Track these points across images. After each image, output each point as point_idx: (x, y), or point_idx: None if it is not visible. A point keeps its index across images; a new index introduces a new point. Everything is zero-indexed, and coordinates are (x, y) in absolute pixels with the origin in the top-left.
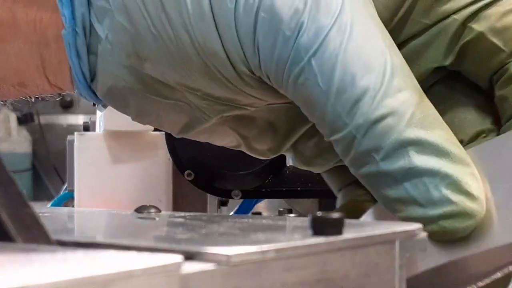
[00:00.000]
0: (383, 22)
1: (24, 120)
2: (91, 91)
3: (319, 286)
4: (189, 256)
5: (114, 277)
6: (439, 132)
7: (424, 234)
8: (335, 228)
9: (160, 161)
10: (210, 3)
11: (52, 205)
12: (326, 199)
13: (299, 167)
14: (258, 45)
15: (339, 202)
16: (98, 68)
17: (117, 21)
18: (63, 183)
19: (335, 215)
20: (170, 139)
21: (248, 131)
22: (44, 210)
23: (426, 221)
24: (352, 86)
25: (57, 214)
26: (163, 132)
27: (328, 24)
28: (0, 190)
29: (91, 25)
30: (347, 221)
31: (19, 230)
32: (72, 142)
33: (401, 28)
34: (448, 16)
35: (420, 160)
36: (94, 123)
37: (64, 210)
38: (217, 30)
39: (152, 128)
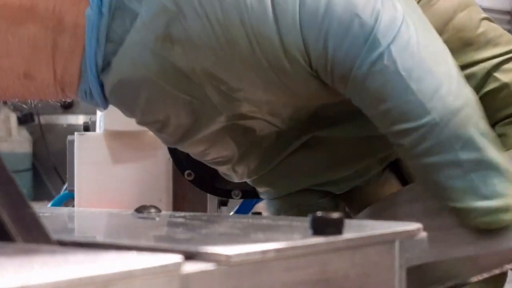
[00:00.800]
0: None
1: (24, 120)
2: (99, 83)
3: (319, 286)
4: (189, 256)
5: (114, 277)
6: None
7: (423, 234)
8: (335, 228)
9: (160, 161)
10: None
11: (52, 205)
12: None
13: (253, 185)
14: (327, 31)
15: (273, 209)
16: (117, 55)
17: (157, 0)
18: (63, 183)
19: (335, 215)
20: None
21: (245, 143)
22: (44, 210)
23: (484, 212)
24: (430, 74)
25: (57, 214)
26: None
27: (399, 18)
28: (0, 190)
29: (115, 8)
30: (347, 221)
31: (19, 230)
32: (72, 142)
33: None
34: (476, 63)
35: (490, 153)
36: (94, 123)
37: (64, 210)
38: (275, 15)
39: None
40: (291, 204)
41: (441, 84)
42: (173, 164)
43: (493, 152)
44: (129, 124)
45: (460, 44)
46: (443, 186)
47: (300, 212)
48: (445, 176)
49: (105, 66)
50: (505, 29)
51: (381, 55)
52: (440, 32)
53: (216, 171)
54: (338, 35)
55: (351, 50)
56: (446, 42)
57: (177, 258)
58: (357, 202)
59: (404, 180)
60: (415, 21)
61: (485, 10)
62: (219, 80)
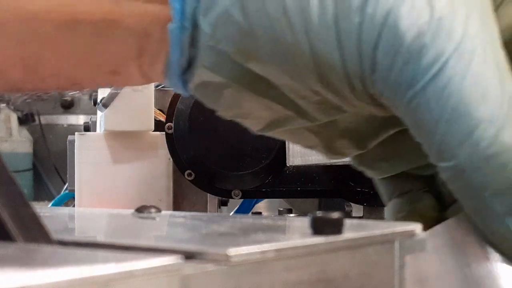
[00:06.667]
0: None
1: (25, 120)
2: (183, 82)
3: (319, 286)
4: (189, 256)
5: (114, 277)
6: None
7: (423, 234)
8: (335, 228)
9: (160, 161)
10: (336, 14)
11: (52, 205)
12: (326, 199)
13: (357, 168)
14: (376, 64)
15: (390, 212)
16: (197, 63)
17: (230, 16)
18: (64, 183)
19: (335, 215)
20: (170, 139)
21: (328, 133)
22: (44, 210)
23: None
24: (466, 116)
25: (58, 214)
26: (163, 132)
27: (449, 50)
28: (0, 190)
29: (198, 18)
30: (347, 221)
31: (19, 229)
32: (72, 142)
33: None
34: None
35: None
36: (94, 123)
37: (65, 210)
38: (338, 43)
39: (153, 128)
40: (401, 190)
41: (476, 127)
42: (173, 164)
43: None
44: (129, 124)
45: None
46: (484, 226)
47: (411, 198)
48: (483, 218)
49: (189, 67)
50: None
51: (416, 93)
52: None
53: (216, 171)
54: (383, 69)
55: (393, 85)
56: None
57: (177, 258)
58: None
59: None
60: (478, 49)
61: None
62: (297, 90)
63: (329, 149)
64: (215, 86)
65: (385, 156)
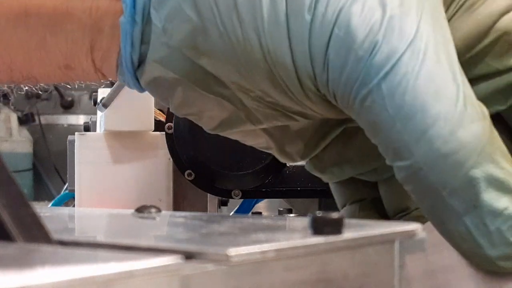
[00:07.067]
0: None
1: (25, 120)
2: (135, 78)
3: (319, 286)
4: (189, 256)
5: (114, 277)
6: (507, 167)
7: (423, 234)
8: (335, 228)
9: (160, 161)
10: (287, 12)
11: (52, 205)
12: (326, 199)
13: (311, 172)
14: (328, 63)
15: (337, 196)
16: (148, 57)
17: (182, 11)
18: (64, 183)
19: (335, 215)
20: (170, 139)
21: (281, 135)
22: (44, 210)
23: (484, 260)
24: (422, 113)
25: (58, 214)
26: (163, 132)
27: (402, 48)
28: (0, 190)
29: (149, 13)
30: (347, 221)
31: (19, 230)
32: (72, 142)
33: (471, 66)
34: None
35: (485, 198)
36: (94, 123)
37: (65, 210)
38: (289, 41)
39: (153, 128)
40: (355, 198)
41: (432, 124)
42: (173, 164)
43: (490, 197)
44: (129, 124)
45: (505, 47)
46: (441, 227)
47: (363, 206)
48: (441, 218)
49: (140, 63)
50: None
51: (370, 91)
52: (483, 37)
53: (216, 171)
54: (335, 68)
55: (347, 84)
56: (490, 45)
57: (177, 258)
58: (390, 190)
59: None
60: (430, 47)
61: None
62: (248, 89)
63: (282, 152)
64: (166, 83)
65: (336, 161)
